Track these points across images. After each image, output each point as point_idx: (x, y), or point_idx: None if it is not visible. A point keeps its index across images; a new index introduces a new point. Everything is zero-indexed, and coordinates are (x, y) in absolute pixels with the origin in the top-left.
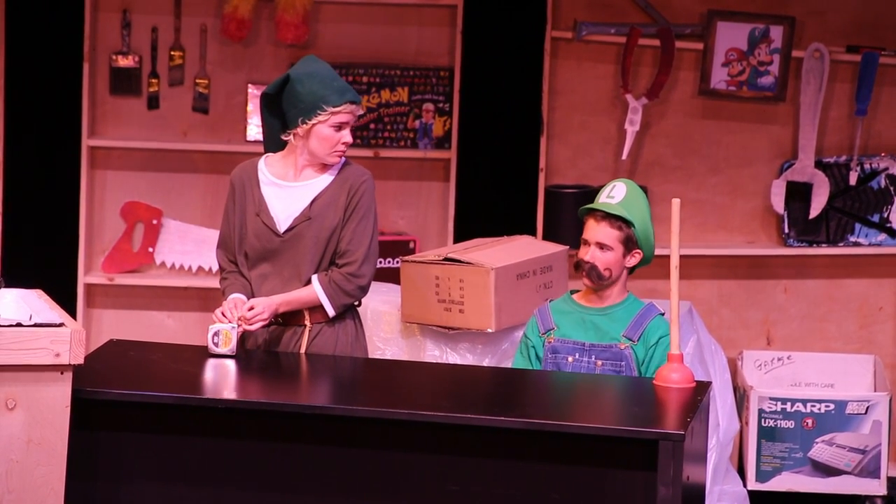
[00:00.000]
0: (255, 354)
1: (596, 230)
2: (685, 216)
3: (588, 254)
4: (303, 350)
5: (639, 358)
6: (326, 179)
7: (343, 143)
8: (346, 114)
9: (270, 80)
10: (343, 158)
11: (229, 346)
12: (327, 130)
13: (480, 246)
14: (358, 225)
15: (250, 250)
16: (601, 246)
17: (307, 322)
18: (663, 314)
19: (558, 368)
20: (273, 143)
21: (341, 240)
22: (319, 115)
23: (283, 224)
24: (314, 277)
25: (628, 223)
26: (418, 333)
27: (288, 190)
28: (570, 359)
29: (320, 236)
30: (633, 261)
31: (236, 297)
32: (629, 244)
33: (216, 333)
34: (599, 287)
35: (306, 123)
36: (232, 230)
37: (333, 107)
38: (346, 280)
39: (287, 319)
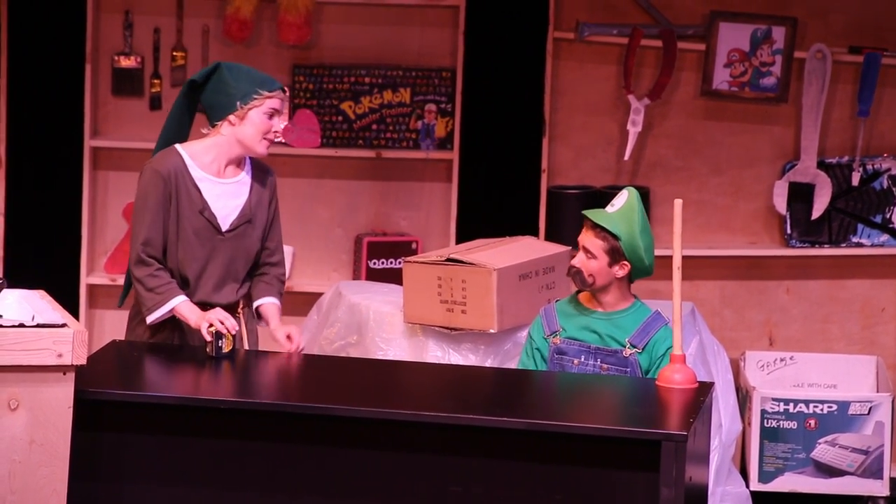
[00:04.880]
0: (256, 355)
1: (585, 237)
2: (687, 217)
3: (576, 258)
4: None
5: (643, 366)
6: (248, 176)
7: (274, 132)
8: (279, 100)
9: None
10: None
11: (230, 348)
12: (261, 116)
13: (483, 247)
14: (278, 222)
15: (185, 249)
16: (587, 252)
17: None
18: (669, 323)
19: (563, 370)
20: (178, 133)
21: (270, 238)
22: (255, 99)
23: (223, 223)
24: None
25: (615, 235)
26: (421, 334)
27: (222, 186)
28: (575, 361)
29: (256, 237)
30: (621, 272)
31: (186, 300)
32: (614, 255)
33: (220, 338)
34: (586, 291)
35: (242, 108)
36: (166, 226)
37: (268, 91)
38: (282, 283)
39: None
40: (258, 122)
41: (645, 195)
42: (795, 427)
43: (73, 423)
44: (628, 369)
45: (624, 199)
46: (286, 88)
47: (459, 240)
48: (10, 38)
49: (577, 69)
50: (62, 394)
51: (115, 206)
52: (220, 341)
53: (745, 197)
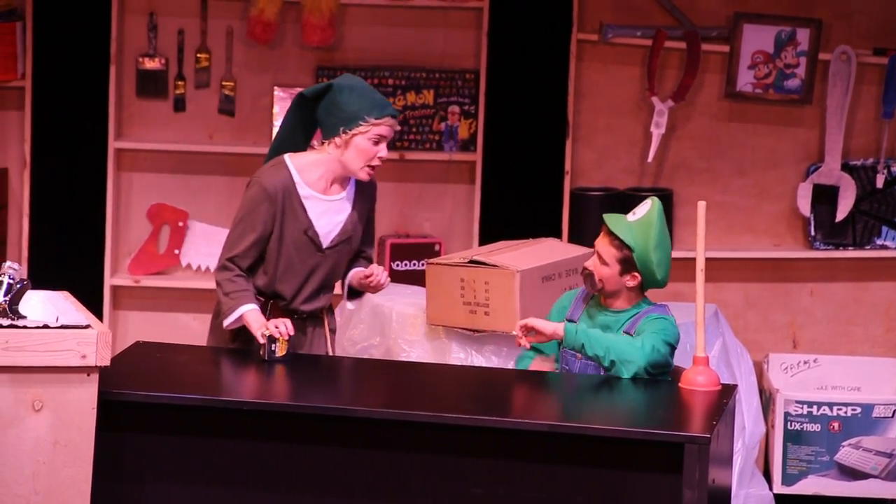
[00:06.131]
0: (280, 358)
1: (600, 242)
2: (711, 219)
3: (590, 261)
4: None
5: None
6: (351, 192)
7: (378, 158)
8: (387, 127)
9: (296, 82)
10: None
11: (283, 352)
12: (365, 143)
13: (506, 248)
14: (372, 226)
15: (286, 266)
16: (600, 258)
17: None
18: (670, 316)
19: (567, 364)
20: (290, 144)
21: (365, 242)
22: (360, 125)
23: (325, 240)
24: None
25: (629, 246)
26: (444, 336)
27: (326, 204)
28: (579, 356)
29: (351, 251)
30: (632, 282)
31: (255, 309)
32: (626, 265)
33: (273, 342)
34: (596, 293)
35: (346, 133)
36: (262, 241)
37: (375, 119)
38: (369, 260)
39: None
40: (363, 148)
41: (668, 197)
42: (819, 430)
43: (96, 424)
44: None
45: (646, 209)
46: (397, 114)
47: (482, 241)
48: (36, 40)
49: (600, 71)
50: (86, 395)
51: (139, 207)
52: (273, 345)
53: (769, 199)
